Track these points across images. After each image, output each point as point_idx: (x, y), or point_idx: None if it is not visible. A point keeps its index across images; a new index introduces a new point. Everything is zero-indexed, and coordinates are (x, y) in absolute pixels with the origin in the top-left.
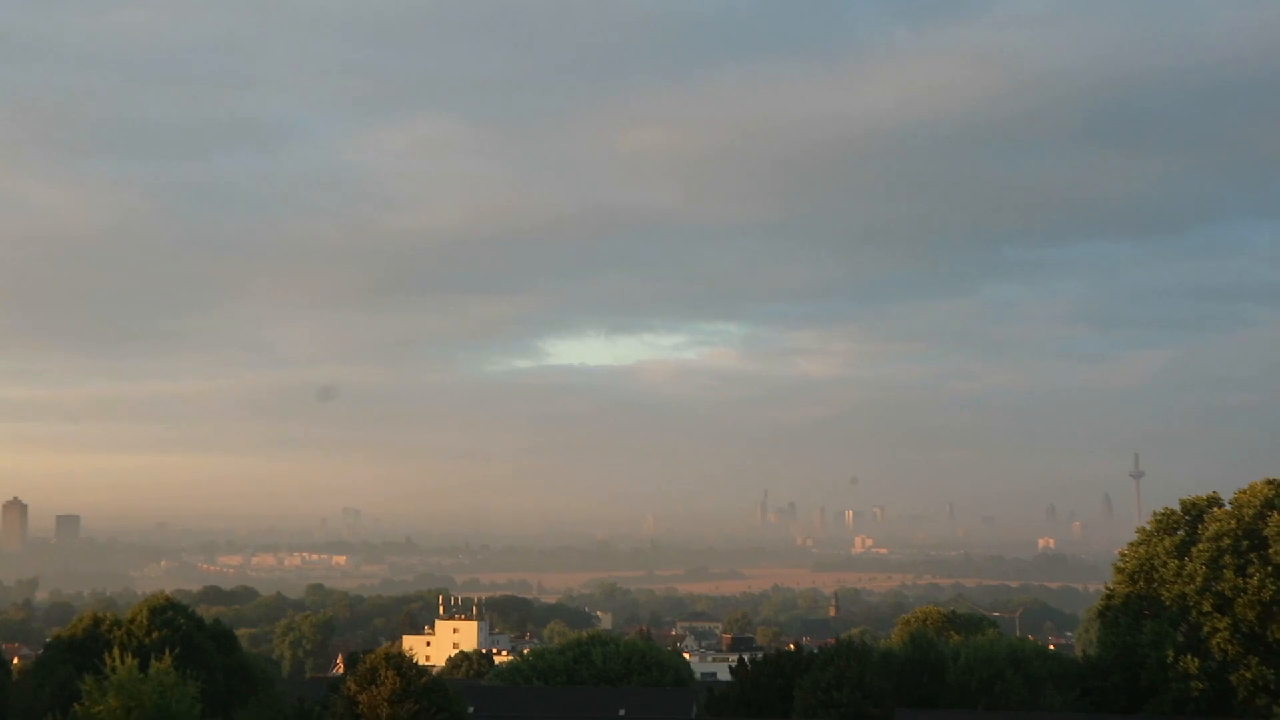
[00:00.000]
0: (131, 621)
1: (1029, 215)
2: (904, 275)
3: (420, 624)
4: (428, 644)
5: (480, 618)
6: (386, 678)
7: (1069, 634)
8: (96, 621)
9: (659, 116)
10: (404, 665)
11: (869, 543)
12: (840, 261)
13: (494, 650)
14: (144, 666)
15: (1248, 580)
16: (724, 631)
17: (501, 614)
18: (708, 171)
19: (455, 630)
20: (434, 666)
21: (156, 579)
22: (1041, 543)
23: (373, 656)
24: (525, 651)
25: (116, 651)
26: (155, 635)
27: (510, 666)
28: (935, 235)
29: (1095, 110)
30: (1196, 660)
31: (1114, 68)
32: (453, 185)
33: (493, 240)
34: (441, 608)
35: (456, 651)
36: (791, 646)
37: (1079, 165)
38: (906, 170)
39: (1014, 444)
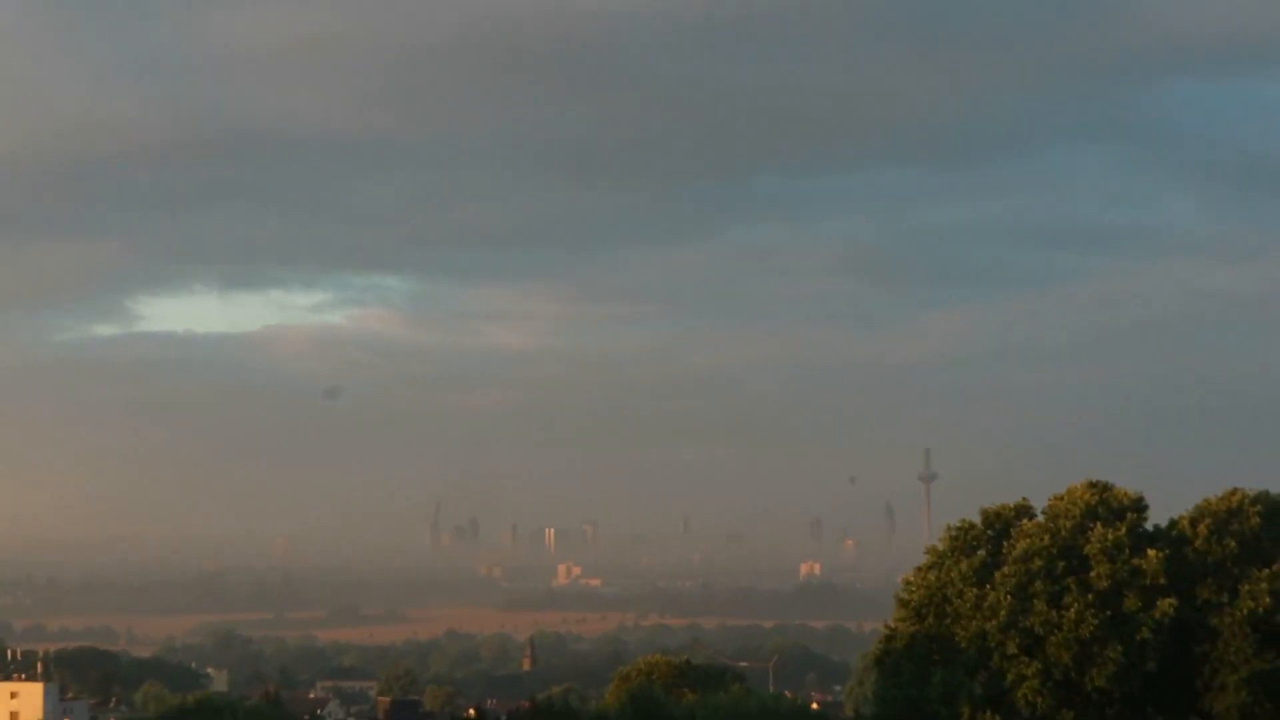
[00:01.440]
0: None
1: (789, 136)
2: (625, 213)
3: None
4: None
5: (48, 677)
6: None
7: (838, 688)
8: None
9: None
10: None
11: (576, 571)
12: (540, 195)
13: None
14: None
15: (1063, 613)
16: (380, 693)
17: (77, 672)
18: (358, 73)
19: (13, 695)
20: None
21: None
22: (804, 568)
23: None
24: None
25: None
26: None
27: None
28: (666, 161)
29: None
30: (998, 718)
31: None
32: (1, 91)
33: (60, 165)
34: None
35: None
36: (472, 713)
37: (854, 72)
38: (628, 76)
39: (769, 438)
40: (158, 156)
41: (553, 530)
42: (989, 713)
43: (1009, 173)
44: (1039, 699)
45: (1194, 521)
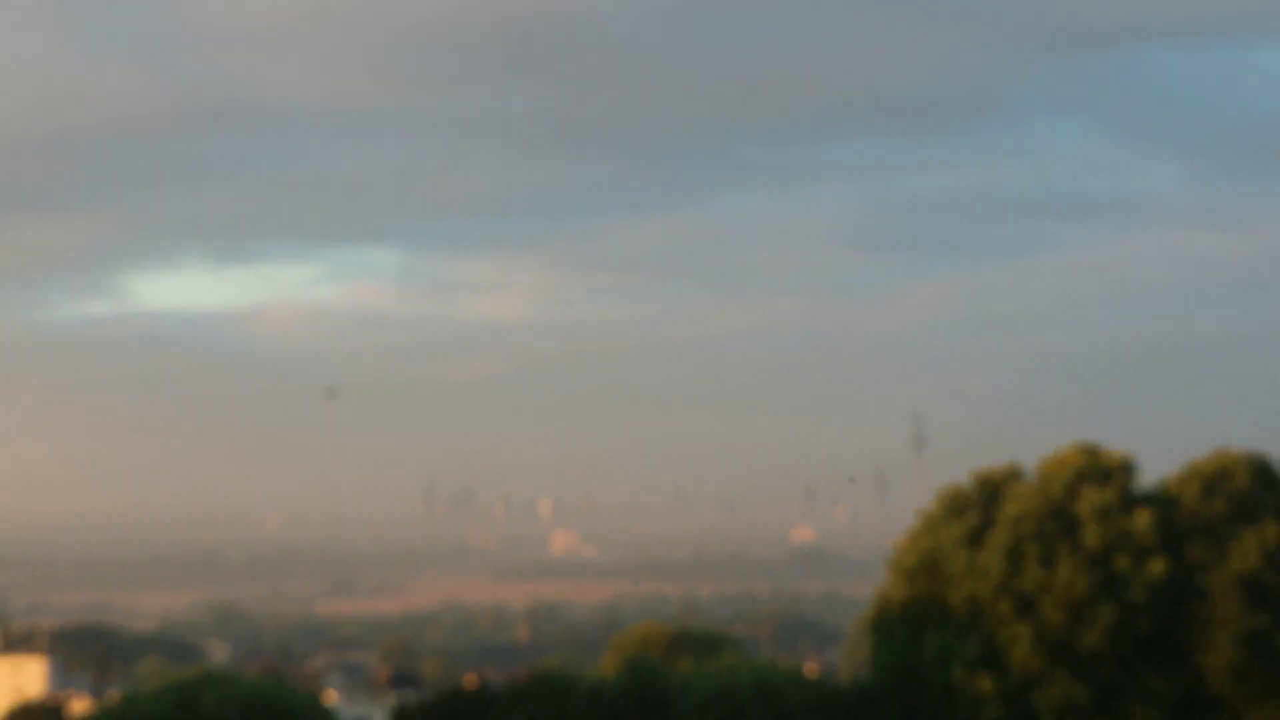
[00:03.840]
0: None
1: (771, 106)
2: (609, 184)
3: None
4: None
5: (49, 652)
6: None
7: (832, 653)
8: None
9: None
10: None
11: (572, 540)
12: (528, 166)
13: (69, 696)
14: None
15: (1055, 574)
16: (380, 664)
17: (78, 648)
18: (347, 45)
19: (14, 671)
20: None
21: None
22: (796, 535)
23: None
24: (112, 697)
25: None
26: None
27: (92, 718)
28: (650, 131)
29: None
30: (991, 678)
31: None
32: None
33: (49, 139)
34: None
35: (18, 701)
36: (473, 678)
37: (835, 41)
38: (612, 46)
39: (758, 406)
40: (148, 131)
41: (547, 500)
42: (983, 674)
43: (991, 142)
44: (1032, 660)
45: (1183, 483)
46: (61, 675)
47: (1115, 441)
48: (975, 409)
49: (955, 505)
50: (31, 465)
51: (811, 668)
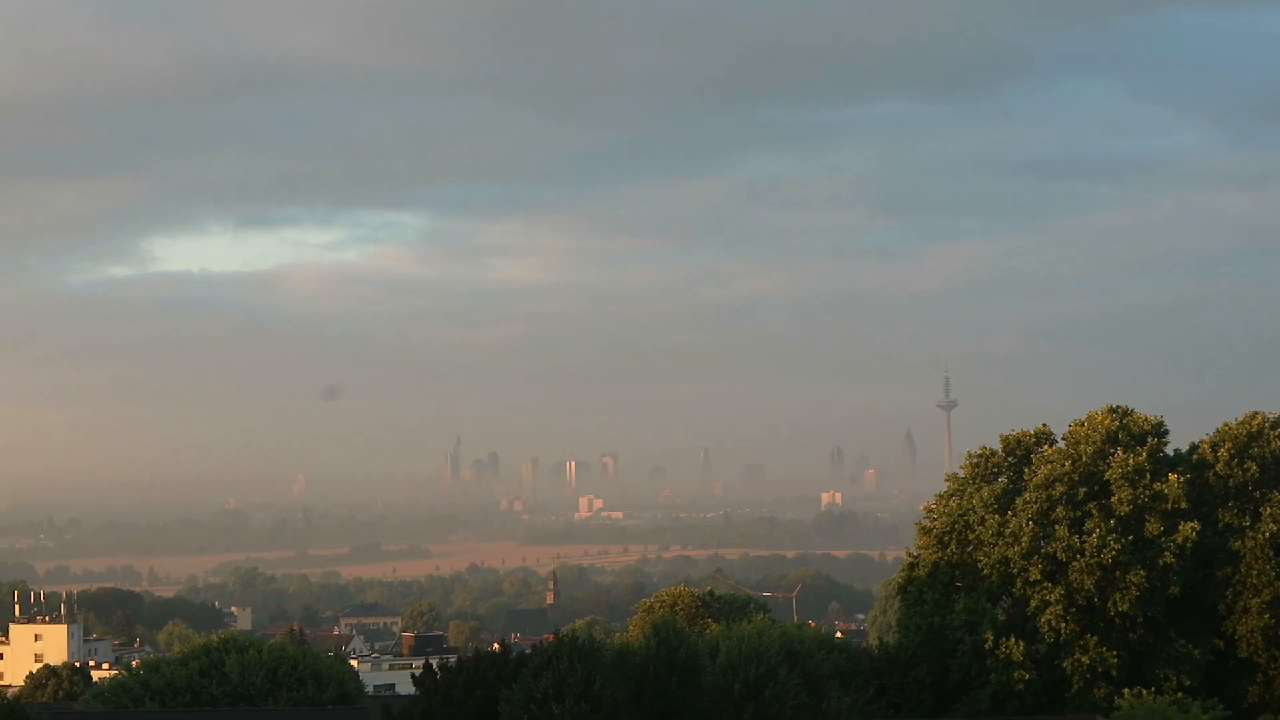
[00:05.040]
0: None
1: (800, 68)
2: (634, 147)
3: None
4: (0, 656)
5: (72, 619)
6: None
7: (860, 617)
8: None
9: None
10: None
11: (598, 504)
12: (550, 130)
13: (91, 662)
14: None
15: (1085, 538)
16: (404, 629)
17: (100, 613)
18: (369, 8)
19: (37, 637)
20: (9, 687)
21: None
22: (825, 498)
23: None
24: (134, 663)
25: None
26: None
27: (114, 684)
28: (674, 94)
29: None
30: (1021, 644)
31: None
32: (11, 29)
33: (73, 104)
34: (18, 607)
35: (40, 665)
36: (496, 646)
37: (861, 4)
38: (638, 9)
39: (786, 369)
40: (170, 96)
41: (573, 463)
42: (1012, 639)
43: (1019, 104)
44: (1062, 624)
45: (1214, 446)
46: (84, 642)
47: (1143, 404)
48: (1002, 371)
49: (985, 469)
50: (54, 429)
51: (840, 632)
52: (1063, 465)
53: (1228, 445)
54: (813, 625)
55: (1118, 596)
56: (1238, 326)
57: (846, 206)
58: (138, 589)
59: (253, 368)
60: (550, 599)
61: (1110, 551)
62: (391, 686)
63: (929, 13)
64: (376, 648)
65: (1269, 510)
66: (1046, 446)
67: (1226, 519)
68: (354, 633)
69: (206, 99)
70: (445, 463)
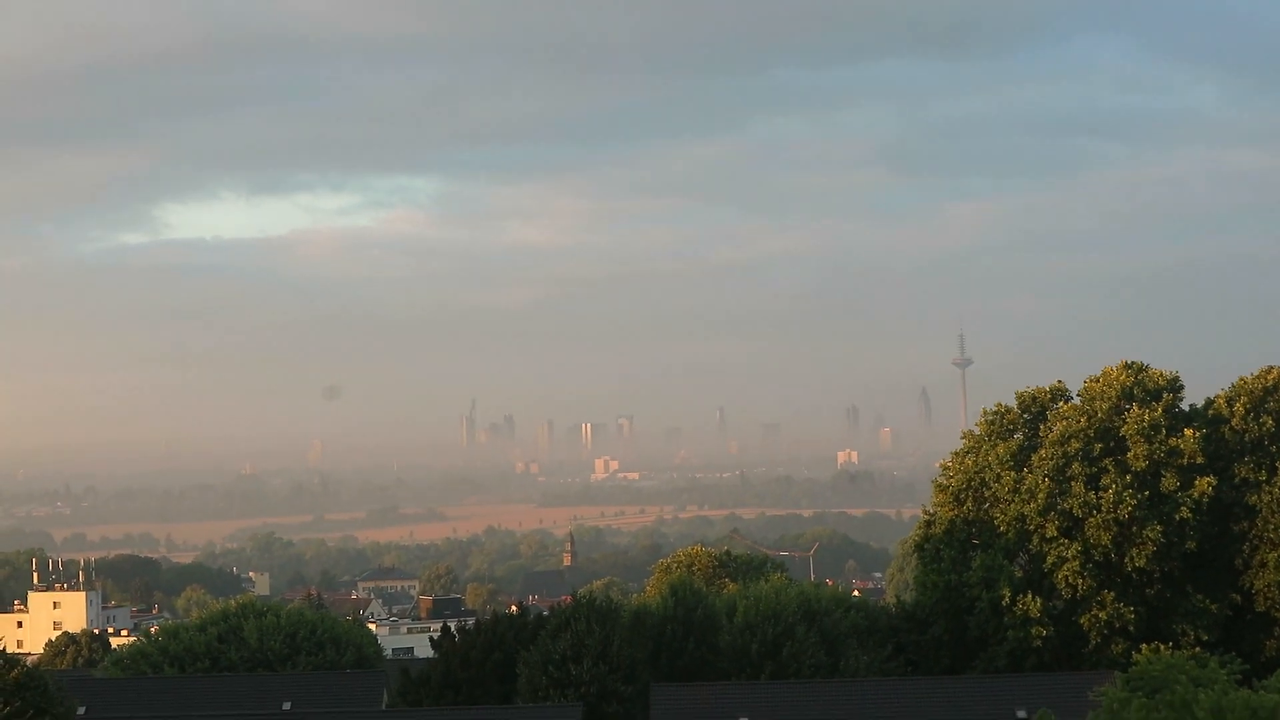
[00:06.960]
0: None
1: (812, 27)
2: (648, 108)
3: (8, 598)
4: (19, 624)
5: (90, 586)
6: None
7: (878, 575)
8: None
9: None
10: None
11: (614, 466)
12: (564, 91)
13: (110, 629)
14: None
15: (1102, 494)
16: (422, 593)
17: (119, 580)
18: None
19: (56, 605)
20: (28, 655)
21: None
22: (841, 457)
23: None
24: (153, 630)
25: None
26: None
27: (133, 650)
28: (688, 55)
29: None
30: (1039, 600)
31: None
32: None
33: (82, 72)
34: (36, 575)
35: (59, 633)
36: (513, 609)
37: None
38: None
39: (801, 328)
40: (180, 62)
41: (589, 425)
42: (1029, 595)
43: (1031, 61)
44: (1079, 580)
45: (1230, 400)
46: (103, 609)
47: (1158, 360)
48: (1017, 329)
49: (1000, 426)
50: (70, 397)
51: (858, 590)
52: (1078, 422)
53: (1243, 400)
54: (830, 584)
55: (1134, 552)
56: (1253, 282)
57: (860, 166)
58: (155, 555)
59: (266, 333)
60: (567, 560)
61: (1127, 507)
62: (410, 650)
63: None
64: (394, 611)
65: None
66: (1062, 403)
67: (1243, 474)
68: (372, 596)
69: (218, 65)
70: (461, 426)
